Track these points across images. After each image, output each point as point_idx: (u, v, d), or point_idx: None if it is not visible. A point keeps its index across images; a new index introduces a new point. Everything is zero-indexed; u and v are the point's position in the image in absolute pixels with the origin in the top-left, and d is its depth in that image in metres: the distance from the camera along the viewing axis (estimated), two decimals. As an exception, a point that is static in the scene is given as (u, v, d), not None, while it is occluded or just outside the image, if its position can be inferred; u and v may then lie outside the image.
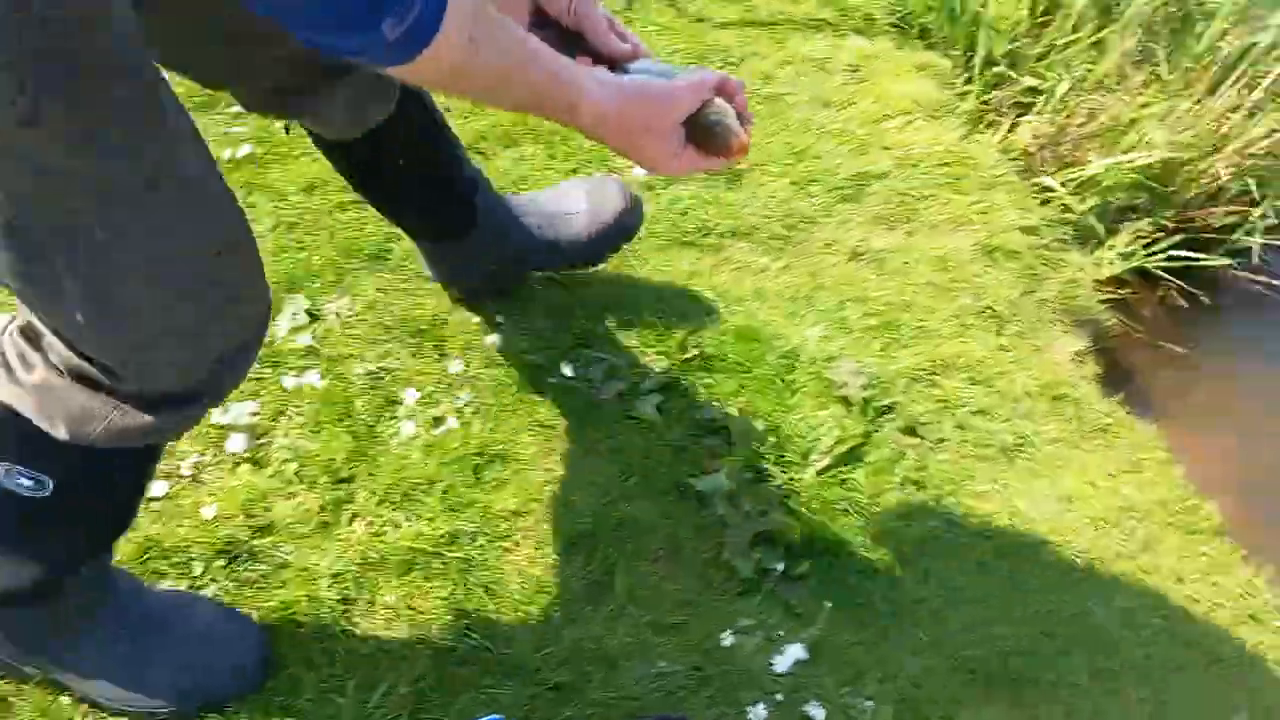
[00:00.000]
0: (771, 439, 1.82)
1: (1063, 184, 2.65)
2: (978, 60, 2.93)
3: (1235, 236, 2.67)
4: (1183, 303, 2.74)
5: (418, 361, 1.83)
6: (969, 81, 2.93)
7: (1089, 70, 2.83)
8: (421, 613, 1.52)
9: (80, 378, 1.00)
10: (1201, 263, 2.63)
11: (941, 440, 1.96)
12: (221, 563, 1.52)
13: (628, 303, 1.99)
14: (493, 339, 1.87)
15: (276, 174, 2.10)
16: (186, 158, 0.93)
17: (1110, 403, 2.23)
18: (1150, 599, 1.83)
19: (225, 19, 1.10)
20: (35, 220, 0.86)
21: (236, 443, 1.66)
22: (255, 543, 1.56)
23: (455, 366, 1.82)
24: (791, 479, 1.78)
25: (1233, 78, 2.70)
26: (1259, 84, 2.68)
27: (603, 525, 1.66)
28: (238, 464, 1.64)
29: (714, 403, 1.86)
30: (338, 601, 1.51)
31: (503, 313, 1.92)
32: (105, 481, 1.12)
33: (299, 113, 1.41)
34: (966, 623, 1.68)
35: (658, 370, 1.89)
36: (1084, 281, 2.54)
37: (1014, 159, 2.77)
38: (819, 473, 1.80)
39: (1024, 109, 2.87)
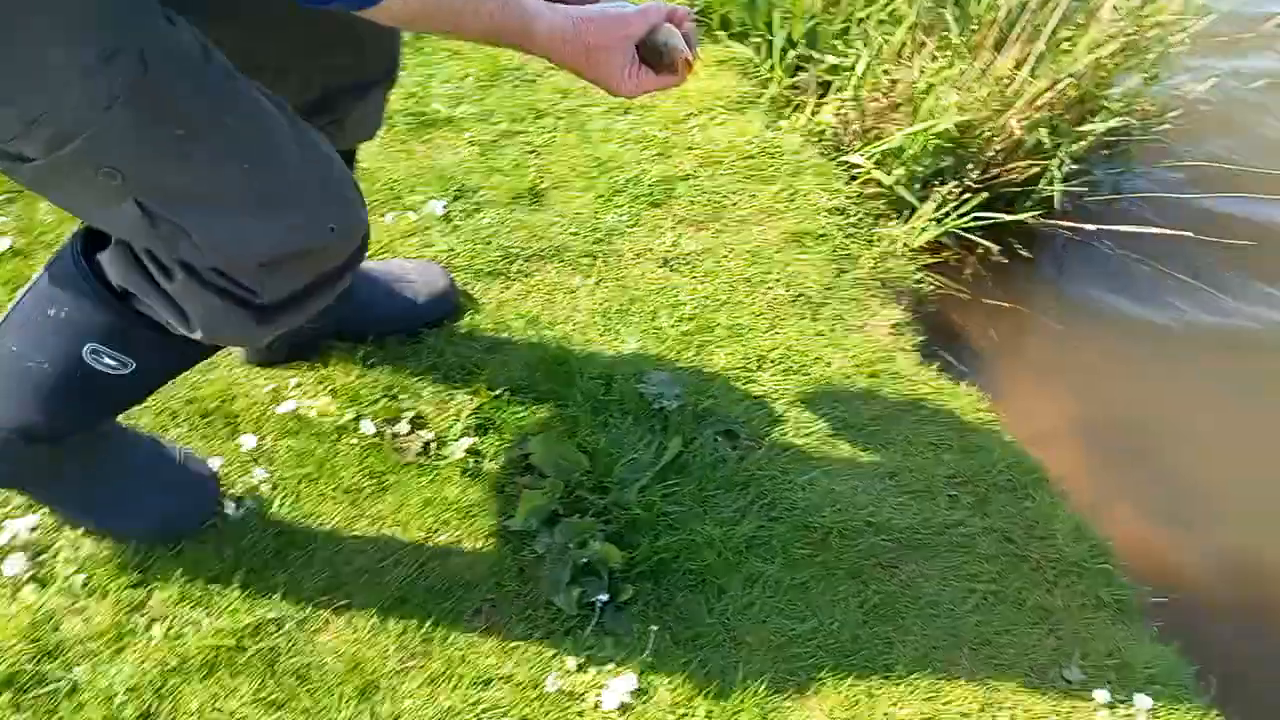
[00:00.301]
0: (588, 465, 1.79)
1: (868, 159, 2.69)
2: (778, 45, 2.95)
3: (1039, 188, 2.75)
4: (1002, 259, 2.82)
5: (208, 443, 1.75)
6: (773, 69, 2.95)
7: (885, 42, 2.88)
8: (229, 714, 1.45)
9: (221, 290, 1.15)
10: (1005, 219, 2.71)
11: (763, 437, 1.96)
12: (6, 696, 1.43)
13: (431, 346, 1.95)
14: (287, 406, 1.80)
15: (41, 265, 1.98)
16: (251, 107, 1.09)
17: (931, 370, 2.27)
18: (979, 564, 1.86)
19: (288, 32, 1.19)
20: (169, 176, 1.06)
21: (15, 564, 1.56)
22: (42, 668, 1.47)
23: (249, 442, 1.75)
24: (611, 504, 1.76)
25: (1014, 33, 2.78)
26: (1039, 36, 2.76)
27: (418, 587, 1.62)
28: (18, 588, 1.55)
29: (529, 437, 1.83)
30: (138, 718, 1.43)
31: (296, 375, 1.85)
32: (176, 368, 1.43)
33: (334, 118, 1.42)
34: (793, 623, 1.68)
35: (467, 413, 1.85)
36: (898, 252, 2.59)
37: (820, 141, 2.80)
38: (640, 491, 1.79)
39: (831, 89, 2.91)
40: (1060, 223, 2.81)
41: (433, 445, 1.79)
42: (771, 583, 1.73)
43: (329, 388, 1.84)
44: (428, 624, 1.58)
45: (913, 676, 1.66)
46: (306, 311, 1.24)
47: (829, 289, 2.34)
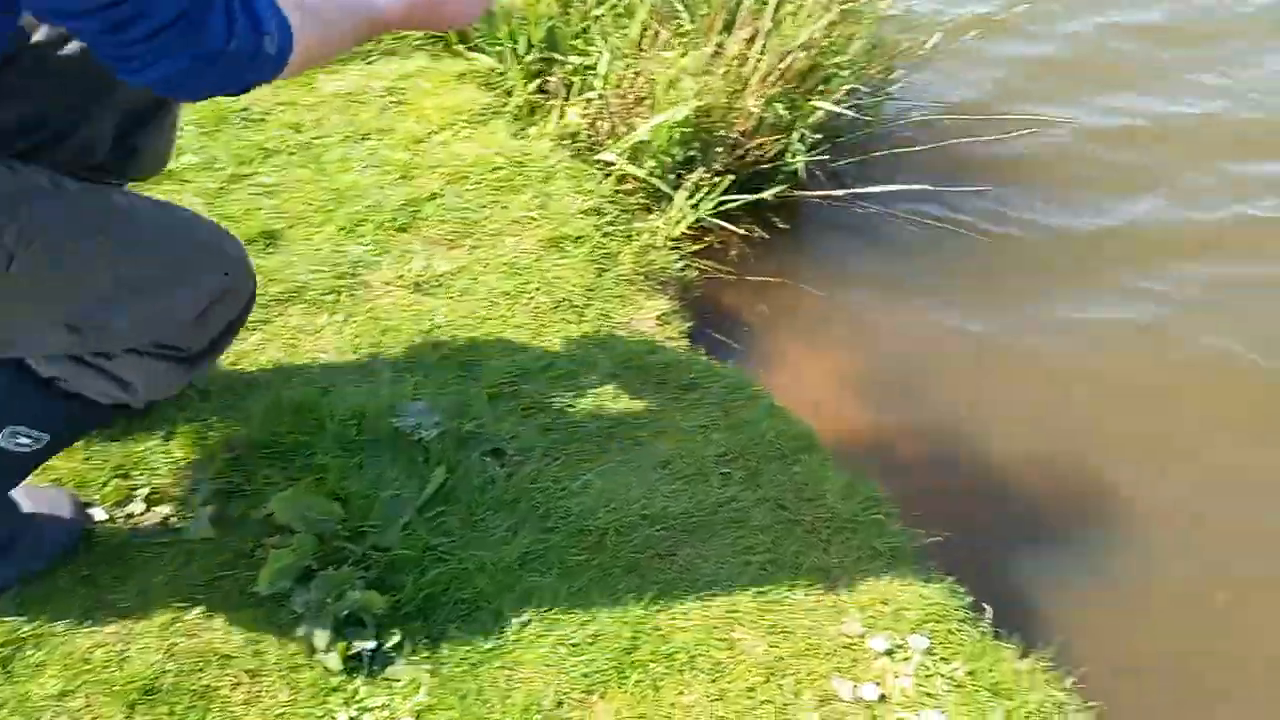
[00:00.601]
0: (343, 513, 1.73)
1: (620, 155, 2.71)
2: (519, 52, 2.94)
3: (787, 162, 2.84)
4: (764, 235, 2.90)
5: (-86, 561, 1.60)
6: (516, 77, 2.94)
7: (623, 37, 2.90)
8: None
9: (157, 355, 1.35)
10: (761, 197, 2.78)
11: (532, 450, 1.94)
12: None
13: (163, 415, 1.84)
14: (5, 505, 1.66)
15: None
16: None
17: (699, 355, 2.30)
18: (754, 536, 1.89)
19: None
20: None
21: None
22: None
23: (-37, 550, 1.61)
24: (371, 548, 1.70)
25: (741, 13, 2.85)
26: (763, 13, 2.84)
27: (168, 671, 1.52)
28: None
29: (277, 494, 1.75)
30: None
31: (13, 472, 1.71)
32: (89, 430, 1.60)
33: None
34: (573, 632, 1.66)
35: (207, 481, 1.75)
36: (660, 244, 2.62)
37: (572, 143, 2.81)
38: (404, 529, 1.73)
39: (574, 90, 2.91)
40: (813, 193, 2.91)
41: (172, 519, 1.69)
42: (548, 596, 1.71)
43: (52, 476, 1.71)
44: (182, 710, 1.48)
45: (696, 660, 1.67)
46: (224, 348, 1.48)
47: (591, 290, 2.34)
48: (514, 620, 1.66)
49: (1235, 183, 3.26)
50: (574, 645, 1.65)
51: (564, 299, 2.29)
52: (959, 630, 1.82)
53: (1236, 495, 2.35)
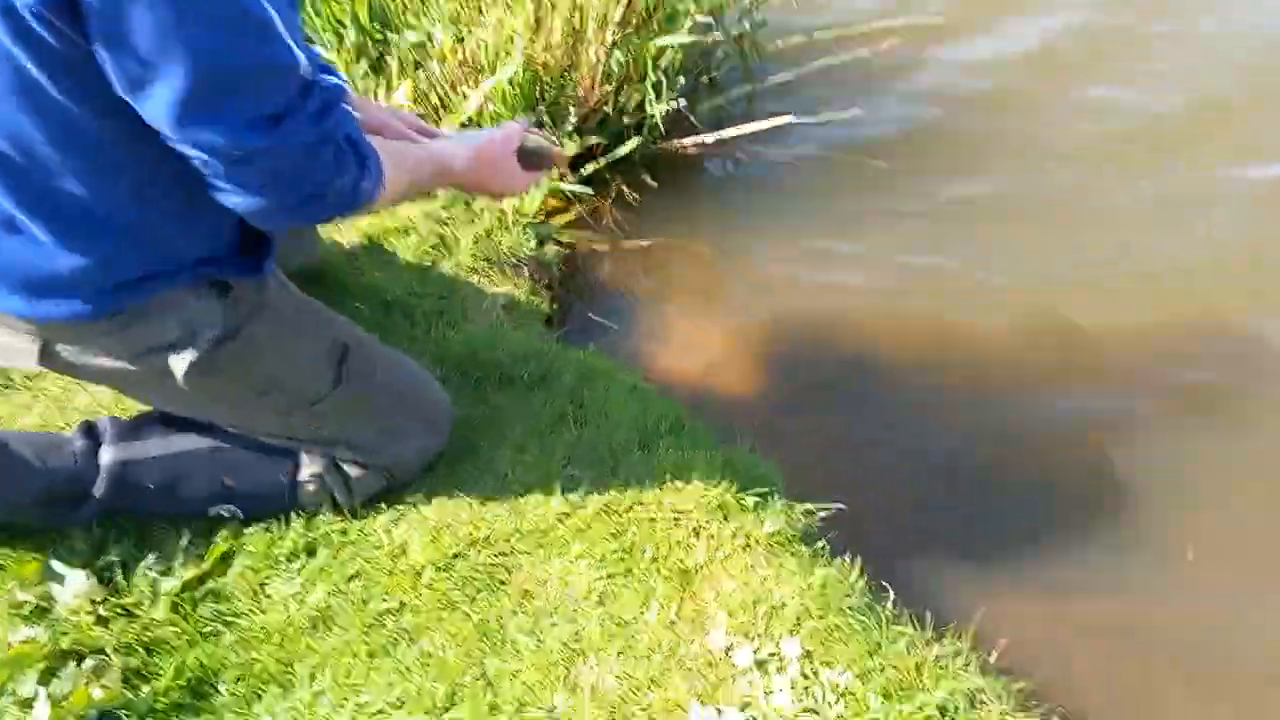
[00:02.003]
0: (96, 585, 1.47)
1: (460, 126, 2.43)
2: (350, 34, 2.66)
3: (648, 114, 2.55)
4: (637, 197, 2.61)
5: None
6: (356, 59, 2.66)
7: (459, 9, 2.62)
8: None
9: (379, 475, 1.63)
10: (611, 158, 2.49)
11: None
12: None
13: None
14: None
15: None
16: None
17: (548, 344, 2.02)
18: (603, 545, 1.61)
19: None
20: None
21: None
22: None
23: None
24: (125, 628, 1.44)
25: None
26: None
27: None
28: None
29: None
30: None
31: None
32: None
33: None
34: (379, 698, 1.40)
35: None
36: (510, 223, 2.34)
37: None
38: (172, 603, 1.47)
39: (399, 68, 2.63)
40: (682, 142, 2.62)
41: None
42: (346, 660, 1.44)
43: None
44: None
45: (527, 711, 1.40)
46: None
47: (419, 290, 2.06)
48: (303, 694, 1.40)
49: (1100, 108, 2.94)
50: (376, 714, 1.39)
51: (385, 302, 2.02)
52: (850, 624, 1.54)
53: (1169, 457, 2.07)
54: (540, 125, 2.38)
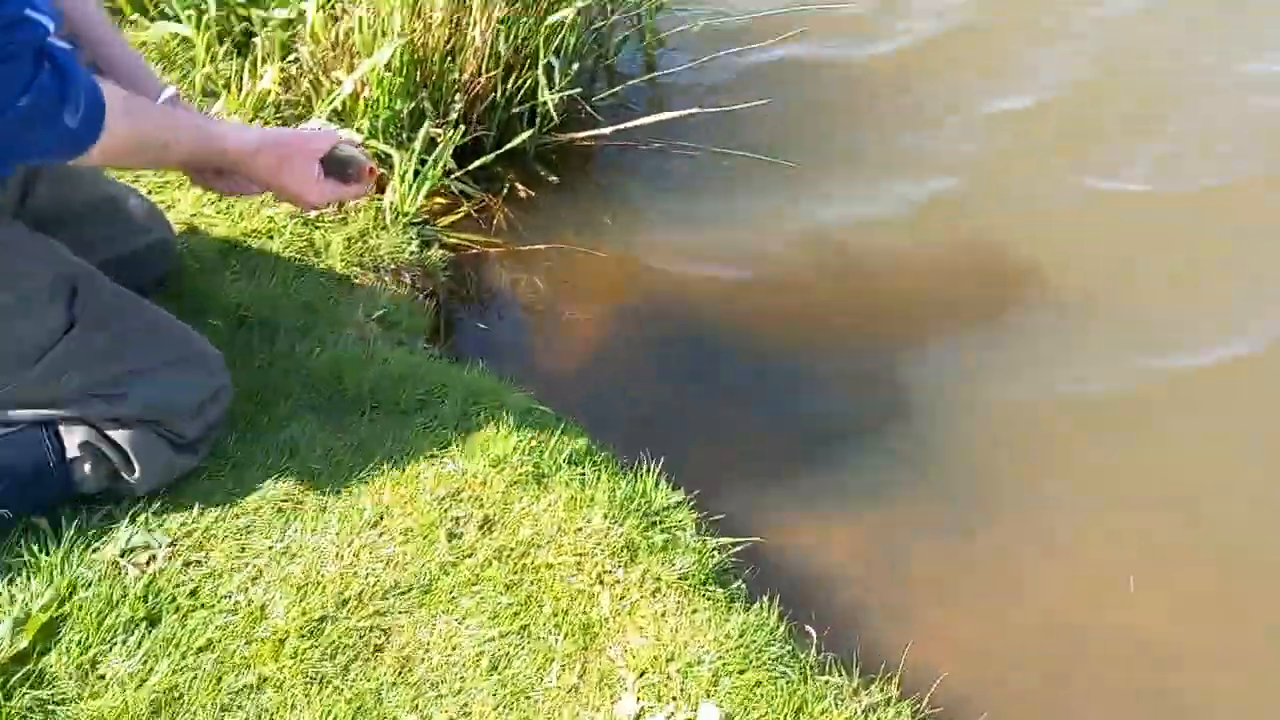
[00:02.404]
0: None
1: (323, 117, 2.19)
2: (212, 7, 2.37)
3: (539, 102, 2.34)
4: (531, 192, 2.42)
5: None
6: (219, 39, 2.38)
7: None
8: None
9: (162, 434, 1.44)
10: (499, 151, 2.29)
11: (184, 538, 1.45)
12: None
13: None
14: None
15: None
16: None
17: (430, 361, 1.82)
18: (495, 597, 1.42)
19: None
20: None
21: None
22: None
23: None
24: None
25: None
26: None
27: None
28: None
29: None
30: None
31: None
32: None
33: None
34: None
35: None
36: (387, 223, 2.12)
37: (273, 114, 2.27)
38: (-21, 691, 1.23)
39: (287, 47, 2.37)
40: (577, 135, 2.43)
41: None
42: (192, 746, 1.23)
43: None
44: None
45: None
46: (208, 447, 1.53)
47: (282, 301, 1.82)
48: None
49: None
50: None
51: (245, 319, 1.78)
52: (771, 677, 1.40)
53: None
54: (358, 138, 2.09)
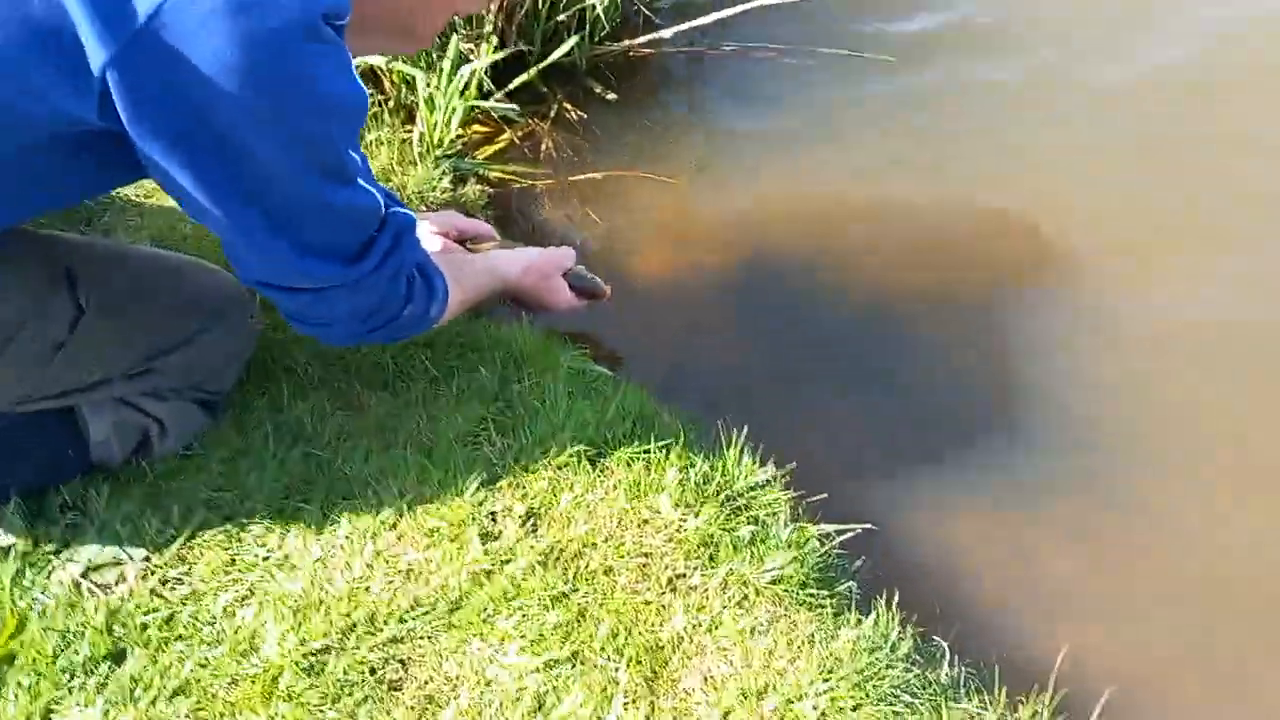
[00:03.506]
0: None
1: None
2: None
3: (588, 4, 2.00)
4: (582, 115, 2.08)
5: None
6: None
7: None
8: None
9: (196, 400, 1.31)
10: (542, 65, 1.96)
11: (157, 553, 1.19)
12: None
13: None
14: None
15: None
16: None
17: (463, 320, 1.53)
18: (541, 615, 1.13)
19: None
20: None
21: None
22: None
23: None
24: None
25: None
26: None
27: None
28: None
29: None
30: None
31: None
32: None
33: None
34: None
35: None
36: (415, 157, 1.82)
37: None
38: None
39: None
40: (634, 43, 2.08)
41: None
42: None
43: None
44: None
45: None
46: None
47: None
48: None
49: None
50: None
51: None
52: (895, 712, 1.08)
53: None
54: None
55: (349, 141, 1.00)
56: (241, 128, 0.89)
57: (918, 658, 1.18)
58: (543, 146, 2.03)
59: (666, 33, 2.03)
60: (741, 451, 1.35)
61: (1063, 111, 2.07)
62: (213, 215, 0.97)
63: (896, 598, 1.22)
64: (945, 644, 1.21)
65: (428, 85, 1.82)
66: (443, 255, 1.35)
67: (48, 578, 1.15)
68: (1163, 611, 1.42)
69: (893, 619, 1.19)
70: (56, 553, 1.17)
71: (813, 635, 1.14)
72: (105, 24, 0.82)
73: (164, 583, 1.16)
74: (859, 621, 1.18)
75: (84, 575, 1.15)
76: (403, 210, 1.14)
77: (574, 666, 1.10)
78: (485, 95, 1.97)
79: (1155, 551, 1.48)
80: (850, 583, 1.26)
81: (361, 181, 1.04)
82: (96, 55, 0.82)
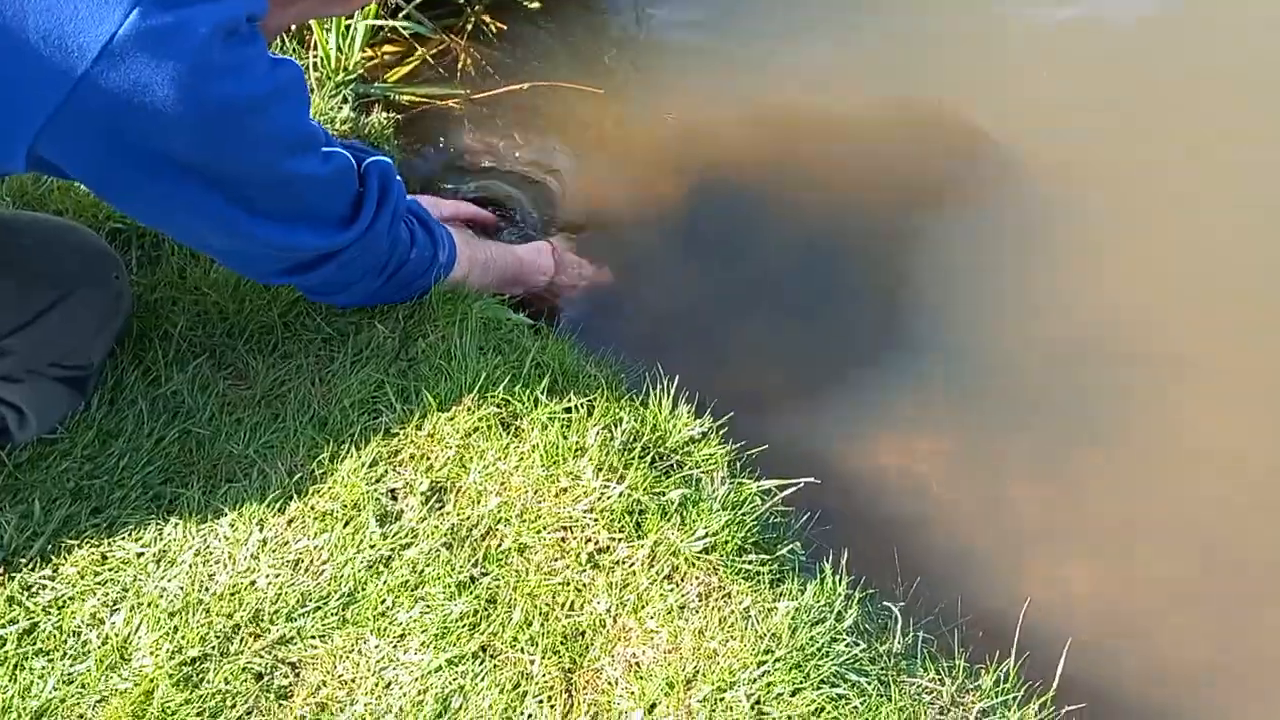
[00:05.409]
0: None
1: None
2: None
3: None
4: (501, 26, 1.90)
5: None
6: None
7: None
8: None
9: (58, 379, 1.16)
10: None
11: (14, 555, 1.07)
12: None
13: None
14: None
15: None
16: None
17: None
18: (443, 605, 1.03)
19: None
20: None
21: None
22: None
23: None
24: None
25: None
26: None
27: None
28: None
29: None
30: None
31: None
32: None
33: None
34: None
35: None
36: (311, 83, 1.64)
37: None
38: None
39: None
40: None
41: None
42: None
43: None
44: None
45: None
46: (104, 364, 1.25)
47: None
48: None
49: None
50: None
51: (116, 231, 1.35)
52: (839, 696, 0.98)
53: None
54: None
55: (300, 113, 1.03)
56: (201, 150, 0.93)
57: (867, 627, 1.08)
58: (460, 64, 1.85)
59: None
60: (675, 403, 1.23)
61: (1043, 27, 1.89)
62: (201, 231, 1.04)
63: (845, 557, 1.12)
64: (896, 609, 1.11)
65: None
66: (456, 232, 1.35)
67: (-111, 591, 1.03)
68: (1135, 549, 1.34)
69: (839, 583, 1.09)
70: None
71: (748, 610, 1.04)
72: (44, 82, 0.83)
73: (25, 589, 1.04)
74: (801, 591, 1.07)
75: None
76: (377, 157, 1.17)
77: (483, 662, 0.99)
78: (393, 11, 1.79)
79: (1124, 483, 1.38)
80: (793, 544, 1.14)
81: (326, 147, 1.06)
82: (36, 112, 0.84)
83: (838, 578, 1.10)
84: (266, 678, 0.98)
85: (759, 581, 1.08)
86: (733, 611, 1.04)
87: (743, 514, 1.13)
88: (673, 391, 1.23)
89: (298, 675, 0.99)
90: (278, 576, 1.05)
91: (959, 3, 1.91)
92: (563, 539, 1.09)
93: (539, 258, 1.47)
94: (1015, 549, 1.29)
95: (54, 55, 0.82)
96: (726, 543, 1.10)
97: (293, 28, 1.65)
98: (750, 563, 1.09)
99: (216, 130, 0.92)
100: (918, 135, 1.66)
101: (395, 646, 1.00)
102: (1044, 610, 1.21)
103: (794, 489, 1.18)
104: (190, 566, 1.05)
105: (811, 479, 1.18)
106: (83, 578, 1.05)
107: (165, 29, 0.83)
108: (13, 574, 1.05)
